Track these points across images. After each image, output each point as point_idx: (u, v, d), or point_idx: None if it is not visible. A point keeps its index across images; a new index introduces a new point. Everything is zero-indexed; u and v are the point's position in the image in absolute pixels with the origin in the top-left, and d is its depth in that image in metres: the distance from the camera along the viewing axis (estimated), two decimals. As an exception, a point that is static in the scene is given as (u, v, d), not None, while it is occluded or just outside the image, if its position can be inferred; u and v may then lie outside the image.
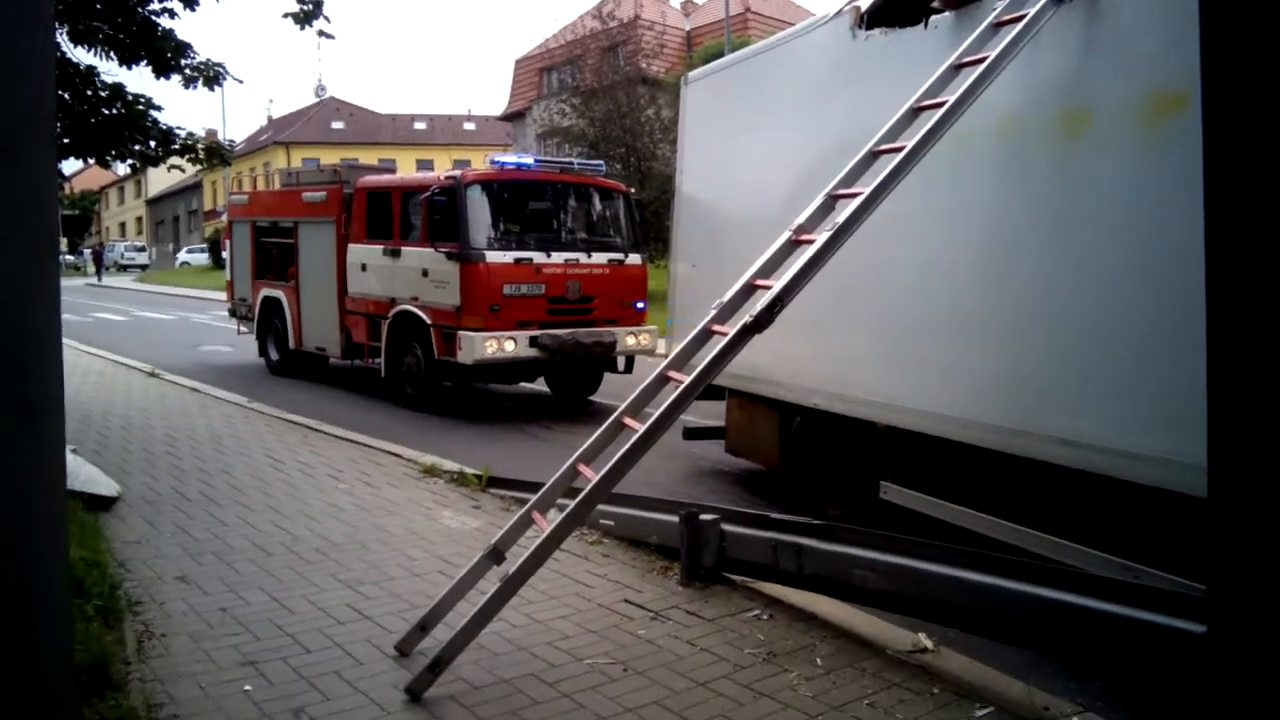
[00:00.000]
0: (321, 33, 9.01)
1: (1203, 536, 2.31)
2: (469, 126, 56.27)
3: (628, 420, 4.07)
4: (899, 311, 5.34)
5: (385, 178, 12.59)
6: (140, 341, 18.15)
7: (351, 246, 11.83)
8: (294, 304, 13.20)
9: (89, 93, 8.81)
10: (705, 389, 3.98)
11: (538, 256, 10.30)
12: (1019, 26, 4.28)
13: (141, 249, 62.21)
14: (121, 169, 12.25)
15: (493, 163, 11.02)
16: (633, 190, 12.69)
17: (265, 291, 13.92)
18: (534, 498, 4.16)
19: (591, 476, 3.88)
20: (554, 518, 3.92)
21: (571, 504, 3.82)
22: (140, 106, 9.05)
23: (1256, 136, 1.95)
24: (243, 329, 15.04)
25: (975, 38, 4.48)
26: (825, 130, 5.88)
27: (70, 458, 6.08)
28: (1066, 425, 4.27)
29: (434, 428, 9.86)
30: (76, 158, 9.84)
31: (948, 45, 4.73)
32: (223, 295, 16.46)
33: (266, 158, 52.67)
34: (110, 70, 11.70)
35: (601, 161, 13.90)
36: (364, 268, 11.60)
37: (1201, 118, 2.04)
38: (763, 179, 6.61)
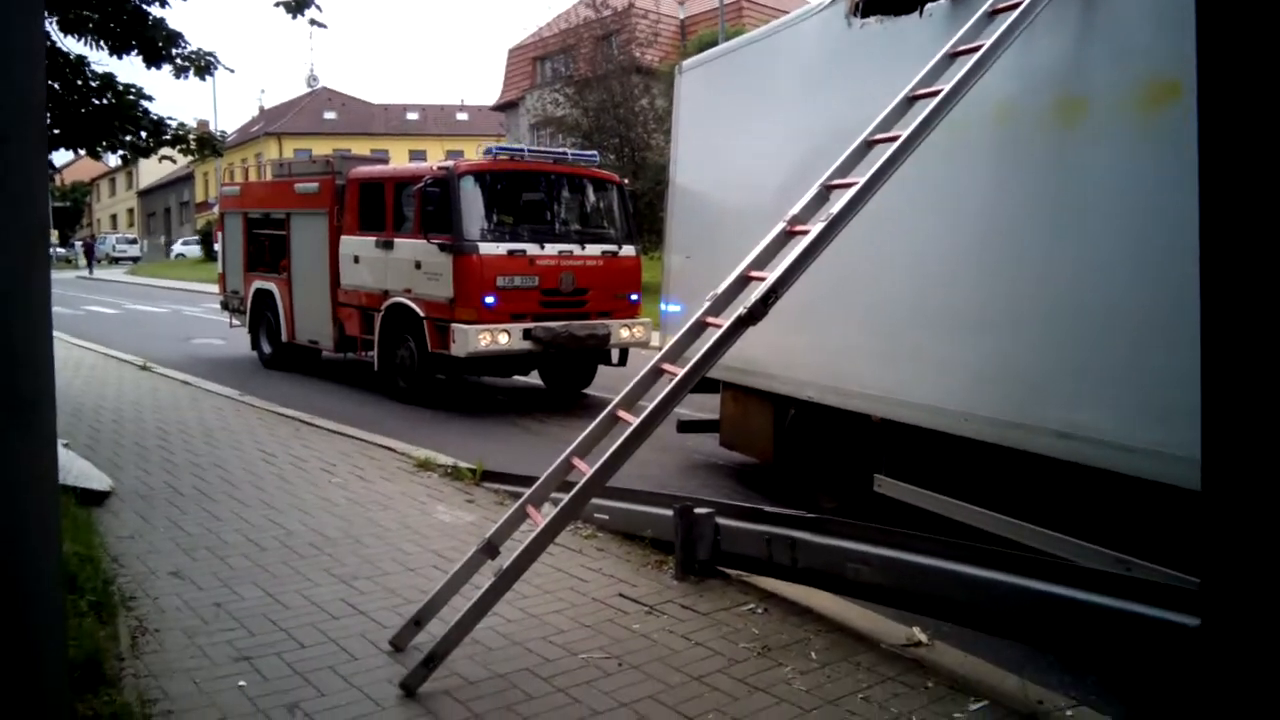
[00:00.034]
0: (313, 21, 8.96)
1: (1197, 530, 2.30)
2: (462, 117, 56.08)
3: (622, 413, 4.06)
4: (894, 303, 5.33)
5: (378, 168, 12.51)
6: (132, 334, 18.09)
7: (344, 238, 11.78)
8: (286, 296, 13.15)
9: (79, 83, 8.75)
10: (700, 382, 3.97)
11: (531, 248, 10.26)
12: (1014, 14, 4.26)
13: (133, 241, 61.95)
14: (112, 160, 12.16)
15: (486, 153, 10.97)
16: (627, 181, 12.65)
17: (257, 284, 13.87)
18: (528, 492, 4.14)
19: (586, 470, 3.87)
20: (548, 512, 3.91)
21: (566, 498, 3.81)
22: (131, 96, 8.99)
23: (1252, 125, 1.94)
24: (235, 322, 14.97)
25: (970, 25, 4.46)
26: (820, 119, 5.86)
27: (62, 452, 6.06)
28: (1061, 418, 4.27)
29: (427, 421, 9.84)
30: (67, 148, 9.77)
31: (943, 33, 4.71)
32: (215, 288, 16.40)
33: (258, 148, 52.43)
34: (100, 60, 11.59)
35: (595, 152, 13.86)
36: (356, 260, 11.55)
37: (1197, 106, 2.03)
38: (757, 169, 6.59)
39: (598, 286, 10.67)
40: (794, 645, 3.96)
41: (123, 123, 9.11)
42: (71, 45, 8.66)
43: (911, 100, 4.36)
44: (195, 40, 15.28)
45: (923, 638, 4.00)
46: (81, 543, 4.73)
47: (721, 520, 4.73)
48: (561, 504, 3.77)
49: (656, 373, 4.11)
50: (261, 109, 61.17)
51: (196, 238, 51.16)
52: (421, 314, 10.42)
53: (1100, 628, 3.38)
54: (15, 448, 1.89)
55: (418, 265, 10.45)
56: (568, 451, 4.09)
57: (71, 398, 9.93)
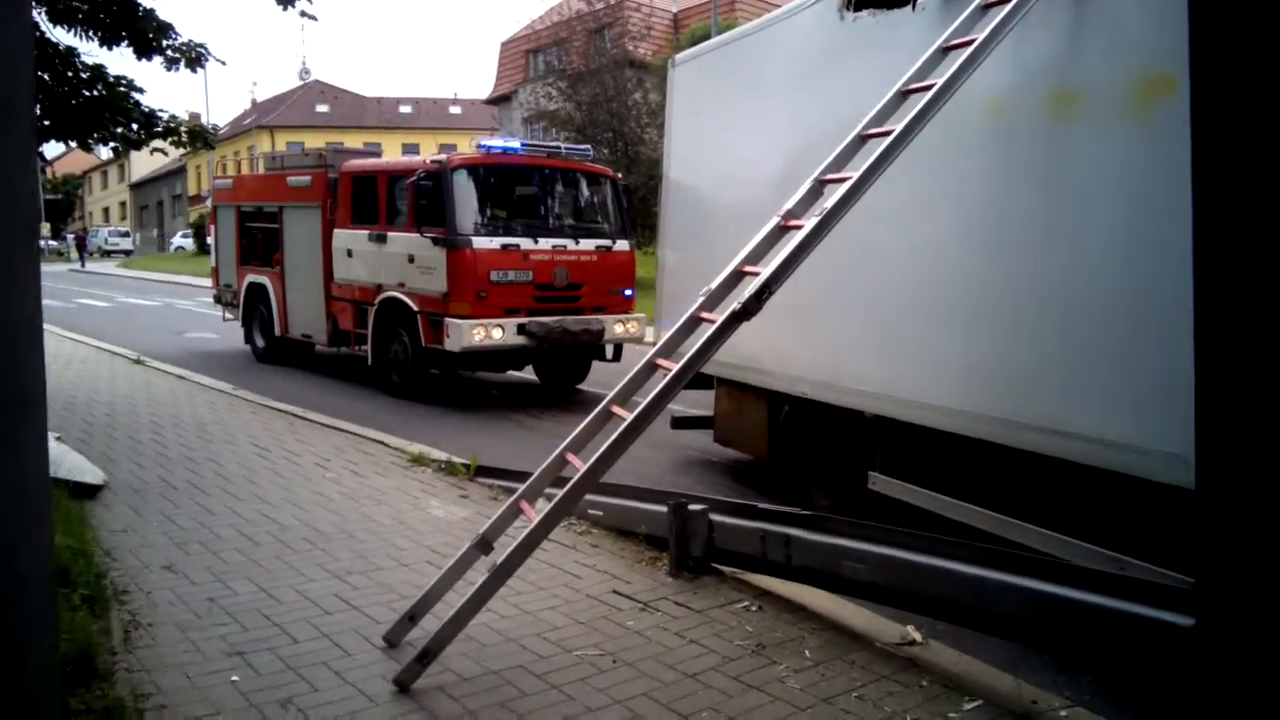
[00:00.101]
0: (304, 14, 8.93)
1: (1191, 529, 2.30)
2: (455, 110, 55.95)
3: (616, 409, 4.05)
4: (887, 299, 5.32)
5: (371, 162, 12.48)
6: (124, 328, 18.03)
7: (337, 232, 11.73)
8: (279, 290, 13.11)
9: (69, 74, 8.70)
10: (694, 378, 3.97)
11: (525, 242, 10.24)
12: (1007, 8, 4.24)
13: (125, 234, 61.68)
14: (104, 153, 12.12)
15: (480, 147, 10.94)
16: (620, 175, 12.62)
17: (250, 277, 13.82)
18: (522, 487, 4.13)
19: (580, 465, 3.86)
20: (542, 507, 3.91)
21: (560, 493, 3.80)
22: (122, 88, 8.94)
23: (1245, 119, 1.94)
24: (228, 315, 14.94)
25: (964, 19, 4.44)
26: (813, 114, 5.85)
27: (54, 445, 6.03)
28: (1054, 415, 4.26)
29: (421, 416, 9.82)
30: (57, 140, 9.74)
31: (936, 27, 4.69)
32: (207, 282, 16.33)
33: (250, 141, 52.27)
34: (91, 51, 11.52)
35: (589, 146, 13.83)
36: (350, 253, 11.51)
37: (1190, 100, 2.02)
38: (750, 163, 6.57)
39: (592, 281, 10.65)
40: (788, 643, 3.96)
41: (114, 114, 9.06)
42: (61, 36, 8.62)
43: (905, 94, 4.35)
44: (186, 32, 15.22)
45: (917, 636, 4.00)
46: (74, 536, 4.72)
47: (716, 517, 4.72)
48: (555, 500, 3.77)
49: (650, 368, 4.11)
50: (253, 102, 61.06)
51: (190, 231, 50.97)
52: (415, 308, 10.39)
53: (1094, 627, 3.38)
54: (5, 440, 1.88)
55: (411, 259, 10.42)
56: (561, 447, 4.07)
57: (64, 391, 9.89)
